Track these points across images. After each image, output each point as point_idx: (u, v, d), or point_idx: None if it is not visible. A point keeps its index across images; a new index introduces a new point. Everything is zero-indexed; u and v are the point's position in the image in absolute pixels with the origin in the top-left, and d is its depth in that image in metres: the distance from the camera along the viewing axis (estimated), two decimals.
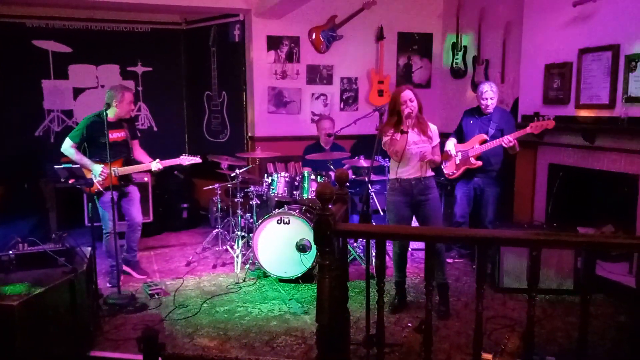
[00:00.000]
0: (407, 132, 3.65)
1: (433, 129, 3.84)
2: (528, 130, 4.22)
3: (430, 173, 3.82)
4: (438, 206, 3.89)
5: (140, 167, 4.52)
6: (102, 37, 6.42)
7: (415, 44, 6.66)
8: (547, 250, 3.91)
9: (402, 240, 3.81)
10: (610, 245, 2.52)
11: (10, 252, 3.05)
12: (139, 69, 6.63)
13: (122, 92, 4.33)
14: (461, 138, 4.73)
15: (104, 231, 4.40)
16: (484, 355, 2.71)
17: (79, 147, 4.32)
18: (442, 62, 6.65)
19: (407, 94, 3.68)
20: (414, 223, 4.07)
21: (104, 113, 4.02)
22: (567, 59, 4.52)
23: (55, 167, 4.01)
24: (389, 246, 4.89)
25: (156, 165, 4.46)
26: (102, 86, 6.46)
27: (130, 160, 4.51)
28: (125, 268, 4.62)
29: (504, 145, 4.29)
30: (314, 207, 4.49)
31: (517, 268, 4.11)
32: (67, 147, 4.28)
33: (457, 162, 4.62)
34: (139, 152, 4.64)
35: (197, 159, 4.68)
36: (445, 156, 4.59)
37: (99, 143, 4.23)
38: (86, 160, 4.27)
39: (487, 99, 4.53)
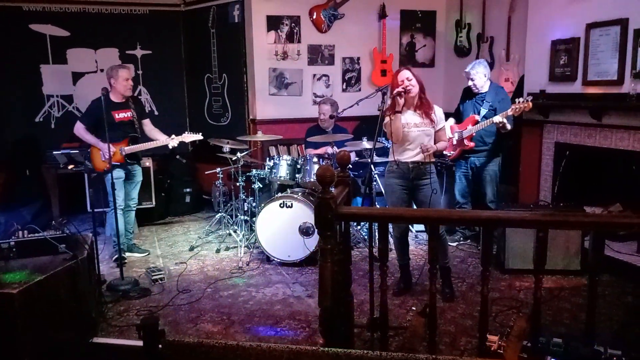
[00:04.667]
0: (400, 112, 3.59)
1: (438, 112, 3.73)
2: (509, 112, 4.15)
3: (431, 158, 3.71)
4: (436, 192, 3.71)
5: (148, 145, 4.52)
6: (100, 20, 6.32)
7: (419, 22, 6.53)
8: (553, 230, 3.85)
9: (405, 223, 3.76)
10: (618, 225, 2.46)
11: (11, 239, 3.03)
12: (138, 52, 6.53)
13: (116, 70, 4.41)
14: (459, 118, 4.76)
15: (110, 206, 4.45)
16: (490, 337, 2.68)
17: (90, 129, 4.40)
18: (446, 41, 6.53)
19: (404, 73, 3.64)
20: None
21: (107, 94, 4.13)
22: (575, 35, 4.41)
23: (54, 152, 3.98)
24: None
25: (174, 142, 4.49)
26: (102, 70, 6.36)
27: (138, 140, 4.54)
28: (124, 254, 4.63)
29: (495, 123, 4.24)
30: (317, 190, 4.44)
31: (524, 249, 4.05)
32: (78, 127, 4.40)
33: (454, 142, 4.64)
34: (151, 130, 4.67)
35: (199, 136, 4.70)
36: None
37: (105, 124, 4.26)
38: (94, 140, 4.37)
39: (468, 79, 4.54)
